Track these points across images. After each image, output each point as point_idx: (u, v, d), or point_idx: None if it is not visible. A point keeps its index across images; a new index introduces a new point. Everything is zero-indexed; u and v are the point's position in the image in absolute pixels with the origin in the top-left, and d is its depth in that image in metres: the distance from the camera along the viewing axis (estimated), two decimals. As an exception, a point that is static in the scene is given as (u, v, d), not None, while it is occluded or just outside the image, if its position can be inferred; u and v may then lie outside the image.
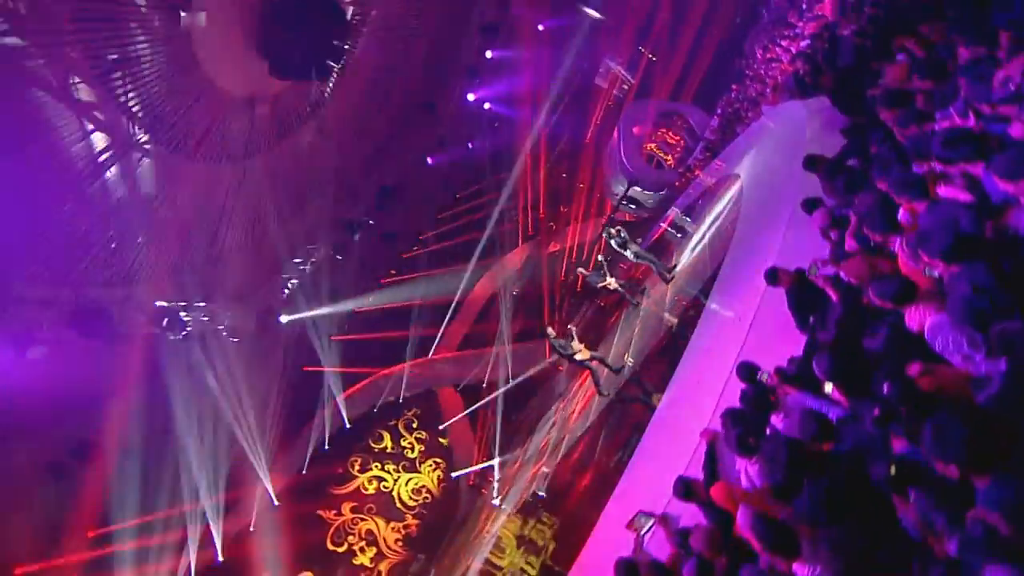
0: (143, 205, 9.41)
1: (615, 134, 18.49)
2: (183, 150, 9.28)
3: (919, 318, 2.30)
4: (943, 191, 2.62)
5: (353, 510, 17.94)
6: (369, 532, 17.22)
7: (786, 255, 4.44)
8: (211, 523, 12.89)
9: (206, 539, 13.06)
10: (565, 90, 19.82)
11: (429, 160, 15.51)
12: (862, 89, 5.26)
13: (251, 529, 14.95)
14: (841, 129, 4.37)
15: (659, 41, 21.02)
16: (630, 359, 7.81)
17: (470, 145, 18.34)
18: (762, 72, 10.99)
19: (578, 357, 8.03)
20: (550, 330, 8.60)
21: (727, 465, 3.24)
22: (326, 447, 16.89)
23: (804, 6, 11.38)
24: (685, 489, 3.20)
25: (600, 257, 9.53)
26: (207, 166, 9.87)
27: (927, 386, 2.11)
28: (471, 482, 19.51)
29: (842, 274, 2.95)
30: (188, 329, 10.08)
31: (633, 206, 17.61)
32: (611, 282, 9.45)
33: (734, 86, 14.49)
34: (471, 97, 15.78)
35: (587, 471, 6.54)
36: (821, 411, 2.65)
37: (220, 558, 13.37)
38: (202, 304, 10.56)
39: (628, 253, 8.63)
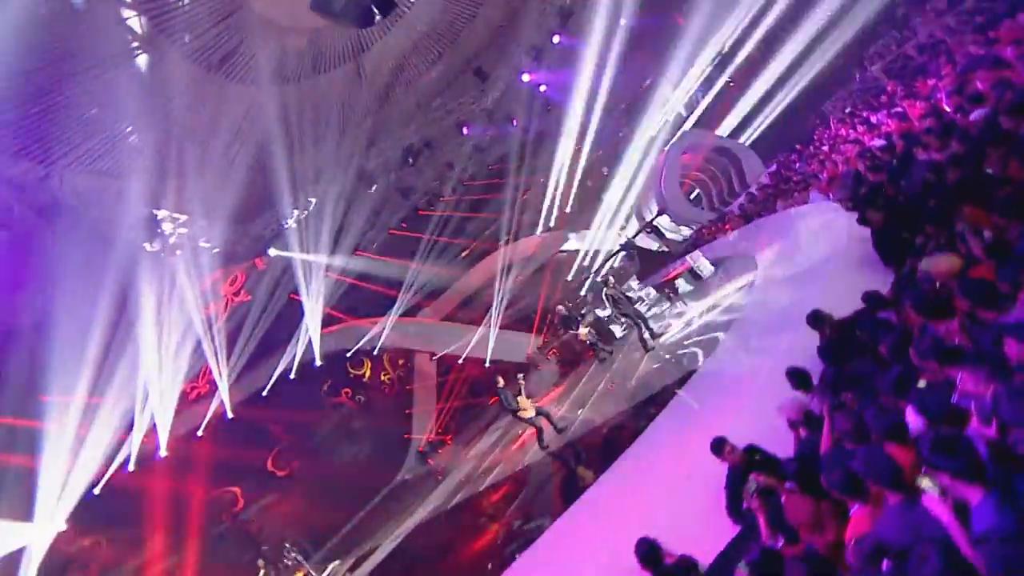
0: (159, 104, 9.08)
1: (663, 154, 17.58)
2: (207, 62, 8.84)
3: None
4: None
5: (302, 437, 18.39)
6: (307, 450, 17.70)
7: (760, 404, 4.03)
8: (159, 419, 13.07)
9: (152, 433, 13.30)
10: (627, 92, 18.83)
11: (465, 130, 14.86)
12: (910, 239, 4.68)
13: (198, 434, 15.29)
14: (863, 294, 3.86)
15: (743, 69, 19.79)
16: (578, 418, 7.53)
17: (514, 123, 17.59)
18: (826, 149, 10.14)
19: (522, 415, 7.66)
20: (499, 379, 8.25)
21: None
22: (291, 375, 17.08)
23: (899, 91, 10.41)
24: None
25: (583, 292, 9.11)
26: (229, 83, 9.44)
27: None
28: (421, 448, 19.86)
29: (783, 502, 2.55)
30: (172, 241, 9.93)
31: (654, 236, 16.89)
32: (583, 332, 9.07)
33: (798, 147, 13.52)
34: (526, 78, 14.96)
35: (493, 521, 6.33)
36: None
37: (162, 453, 13.64)
38: (194, 218, 10.37)
39: (616, 310, 8.17)
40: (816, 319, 3.91)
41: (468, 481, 9.67)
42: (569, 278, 22.26)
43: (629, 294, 8.54)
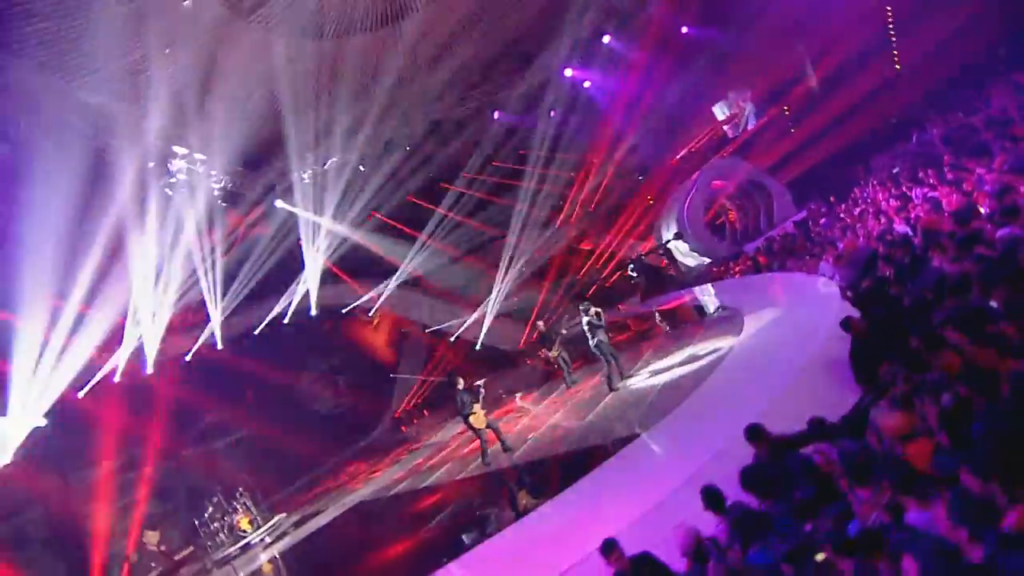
0: (187, 39, 8.95)
1: (694, 175, 16.95)
2: (239, 6, 8.66)
3: None
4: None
5: (285, 382, 18.84)
6: (287, 395, 18.16)
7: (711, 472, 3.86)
8: (147, 340, 13.38)
9: (140, 352, 13.66)
10: (674, 102, 18.11)
11: (496, 114, 14.48)
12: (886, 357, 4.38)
13: (186, 359, 15.73)
14: (809, 419, 3.63)
15: (802, 101, 18.83)
16: (528, 441, 7.46)
17: (552, 113, 17.10)
18: (856, 213, 9.57)
19: (472, 421, 7.51)
20: (460, 380, 8.15)
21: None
22: (285, 321, 17.37)
23: (947, 167, 9.71)
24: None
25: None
26: (259, 31, 9.25)
27: None
28: (397, 414, 20.22)
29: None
30: (180, 178, 9.96)
31: (666, 257, 16.44)
32: (553, 354, 8.90)
33: (831, 199, 12.83)
34: (568, 72, 14.42)
35: (422, 524, 6.32)
36: None
37: (148, 370, 14.05)
38: (204, 158, 10.37)
39: (591, 342, 7.97)
40: (752, 433, 3.71)
41: (414, 473, 9.78)
42: (578, 277, 22.04)
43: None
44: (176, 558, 5.58)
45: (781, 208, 15.96)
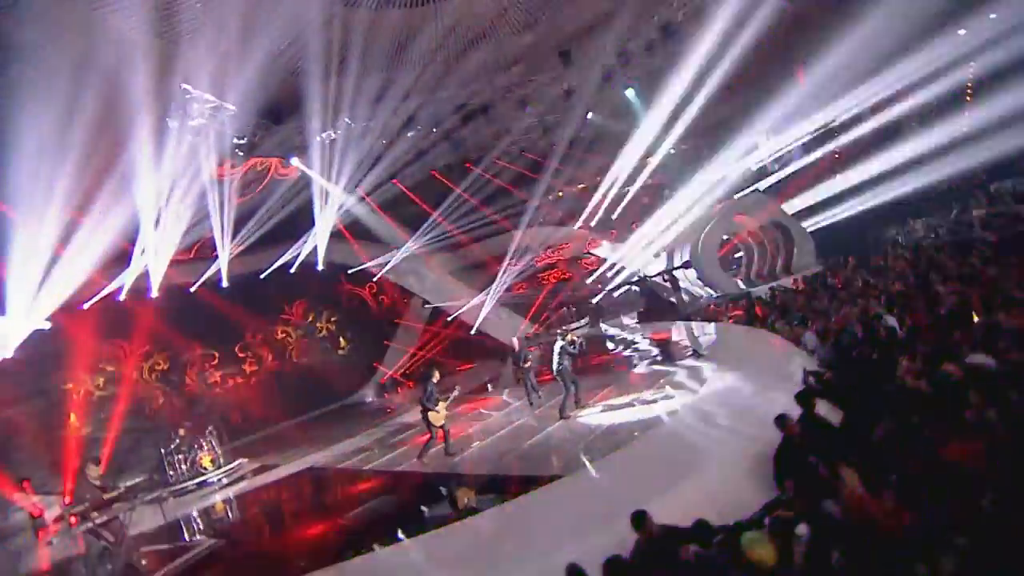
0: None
1: (718, 205, 16.44)
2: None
3: None
4: None
5: (282, 330, 19.40)
6: (281, 344, 18.75)
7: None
8: (152, 263, 13.75)
9: (145, 277, 14.09)
10: (714, 124, 17.48)
11: (527, 108, 14.21)
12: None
13: (191, 290, 16.27)
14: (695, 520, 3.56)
15: (855, 147, 17.92)
16: (470, 449, 7.53)
17: (589, 115, 16.69)
18: (860, 286, 9.14)
19: (431, 416, 7.62)
20: (436, 373, 8.23)
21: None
22: (291, 271, 17.77)
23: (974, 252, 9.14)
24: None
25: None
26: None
27: None
28: (383, 380, 20.64)
29: None
30: (197, 122, 10.13)
31: (668, 284, 16.08)
32: (527, 366, 8.89)
33: (851, 260, 12.28)
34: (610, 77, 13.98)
35: (356, 506, 6.46)
36: None
37: (153, 294, 14.58)
38: (227, 107, 10.49)
39: (554, 365, 7.94)
40: (636, 520, 3.67)
41: (373, 448, 10.02)
42: (588, 281, 21.84)
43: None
44: (107, 496, 5.90)
45: (802, 256, 15.37)
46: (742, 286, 15.02)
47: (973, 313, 6.05)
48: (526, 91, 14.32)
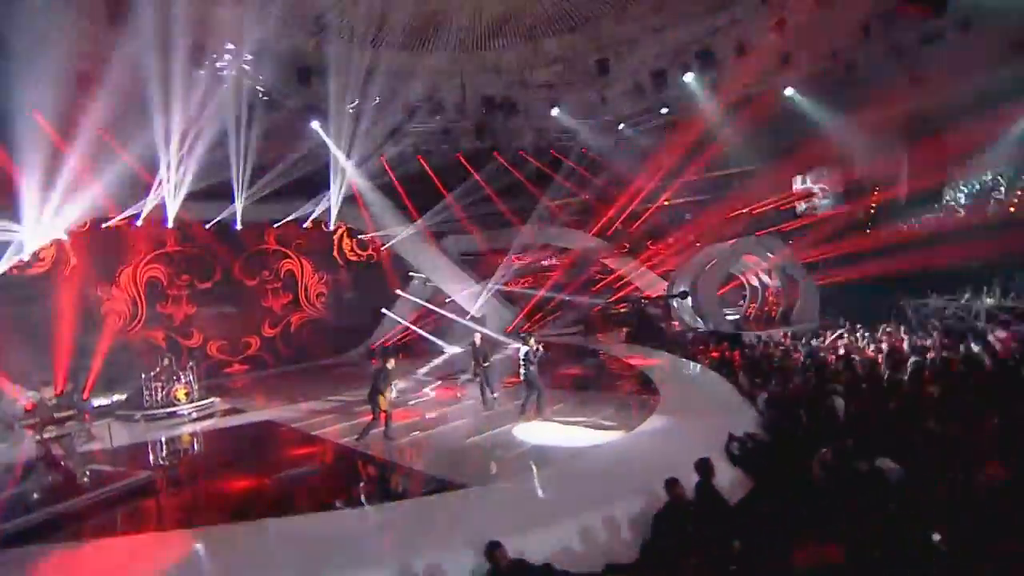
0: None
1: (731, 241, 16.11)
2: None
3: None
4: None
5: (287, 281, 19.90)
6: (289, 273, 19.30)
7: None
8: (170, 198, 14.31)
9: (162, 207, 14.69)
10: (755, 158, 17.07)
11: (555, 110, 14.12)
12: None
13: (205, 227, 16.92)
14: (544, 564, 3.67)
15: (886, 207, 17.27)
16: (405, 439, 7.82)
17: (620, 127, 16.45)
18: (841, 352, 8.91)
19: (379, 399, 7.86)
20: (392, 361, 8.48)
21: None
22: (304, 226, 18.27)
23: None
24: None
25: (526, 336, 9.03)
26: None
27: None
28: (373, 346, 21.11)
29: None
30: (222, 73, 10.42)
31: (657, 311, 15.91)
32: (486, 365, 9.05)
33: (845, 325, 11.99)
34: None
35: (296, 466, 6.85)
36: None
37: (169, 224, 15.23)
38: (249, 58, 10.77)
39: (521, 370, 8.16)
40: (489, 549, 3.83)
41: (329, 414, 10.38)
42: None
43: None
44: (58, 416, 6.36)
45: (804, 311, 15.04)
46: (733, 327, 14.79)
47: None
48: (556, 94, 14.24)
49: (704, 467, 4.77)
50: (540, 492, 5.44)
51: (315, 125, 12.79)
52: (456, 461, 6.73)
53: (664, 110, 15.68)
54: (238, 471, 7.48)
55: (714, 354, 11.36)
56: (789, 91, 15.00)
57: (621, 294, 19.33)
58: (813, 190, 18.66)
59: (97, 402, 12.47)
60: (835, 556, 3.42)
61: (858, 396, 6.68)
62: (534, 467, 6.18)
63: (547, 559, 4.05)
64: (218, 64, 10.33)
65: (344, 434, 8.42)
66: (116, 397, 12.06)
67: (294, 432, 9.31)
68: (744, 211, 19.56)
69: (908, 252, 14.71)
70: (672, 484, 4.54)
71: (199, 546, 4.89)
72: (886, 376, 7.23)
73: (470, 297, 19.61)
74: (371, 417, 8.01)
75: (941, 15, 6.66)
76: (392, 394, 8.01)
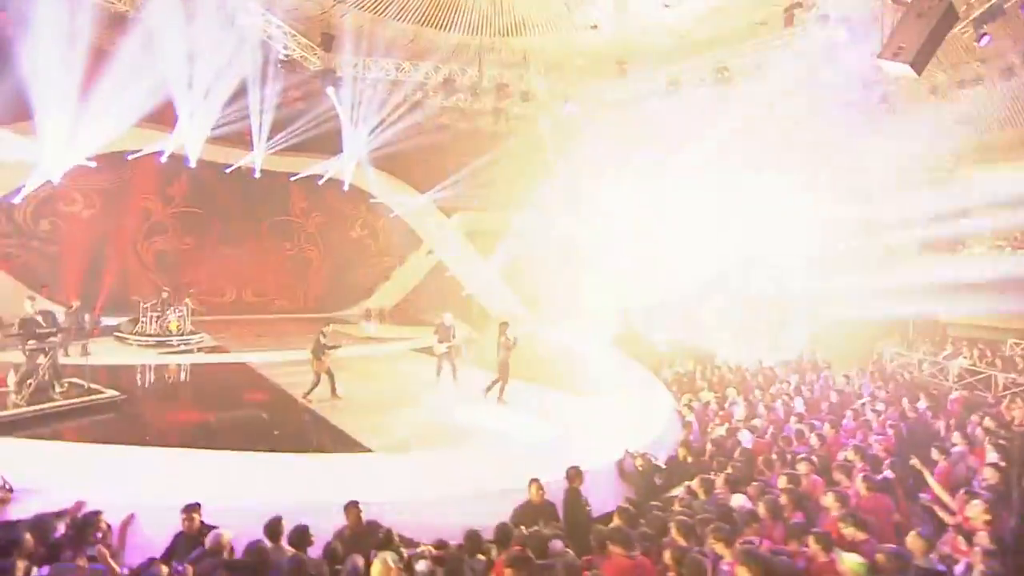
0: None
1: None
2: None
3: None
4: None
5: (298, 232, 20.68)
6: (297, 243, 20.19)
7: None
8: (191, 138, 14.99)
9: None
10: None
11: (568, 105, 14.18)
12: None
13: (227, 171, 17.67)
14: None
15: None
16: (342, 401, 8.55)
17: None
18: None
19: (319, 363, 8.61)
20: (331, 327, 9.22)
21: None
22: (320, 182, 18.89)
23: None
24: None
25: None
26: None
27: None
28: (369, 316, 21.92)
29: None
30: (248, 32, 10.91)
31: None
32: (444, 346, 9.62)
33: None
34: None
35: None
36: None
37: (191, 164, 16.01)
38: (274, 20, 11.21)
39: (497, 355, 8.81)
40: (348, 507, 4.38)
41: (301, 366, 11.11)
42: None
43: None
44: (39, 331, 7.15)
45: (787, 341, 15.01)
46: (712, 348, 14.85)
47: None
48: (571, 87, 14.27)
49: (573, 476, 5.17)
50: (433, 465, 5.97)
51: (330, 91, 13.22)
52: (378, 429, 7.31)
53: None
54: (193, 404, 8.29)
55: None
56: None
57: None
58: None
59: (106, 321, 13.65)
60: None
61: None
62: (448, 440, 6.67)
63: (403, 526, 4.54)
64: (241, 15, 10.72)
65: (299, 388, 9.11)
66: (121, 319, 13.10)
67: (259, 379, 10.11)
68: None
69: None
70: (532, 482, 4.97)
71: (142, 461, 5.63)
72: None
73: (469, 274, 20.15)
74: (315, 379, 8.70)
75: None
76: (327, 360, 8.70)
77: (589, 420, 7.98)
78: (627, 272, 17.29)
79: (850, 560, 3.41)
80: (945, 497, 4.74)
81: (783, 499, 4.53)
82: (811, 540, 3.67)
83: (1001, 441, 5.66)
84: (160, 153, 15.80)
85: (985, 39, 7.88)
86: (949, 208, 13.68)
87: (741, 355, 12.78)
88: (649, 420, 7.85)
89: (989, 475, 4.81)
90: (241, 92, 13.89)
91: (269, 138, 16.27)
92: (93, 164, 14.89)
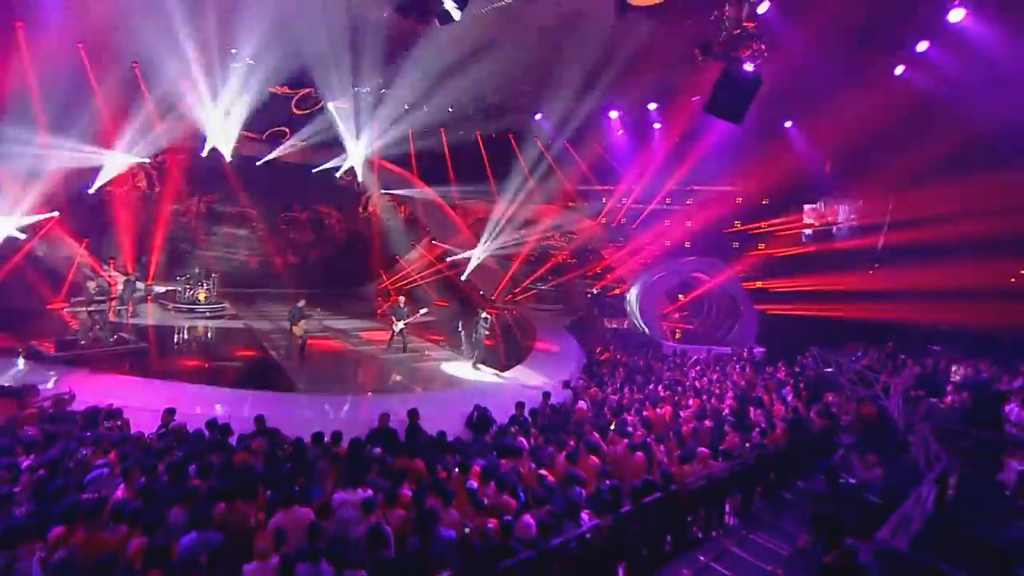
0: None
1: (691, 258, 17.08)
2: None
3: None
4: None
5: (320, 217, 23.21)
6: (320, 227, 22.81)
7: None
8: (224, 139, 17.62)
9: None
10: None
11: (539, 115, 15.63)
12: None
13: (258, 163, 20.28)
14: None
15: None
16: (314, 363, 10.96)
17: (620, 133, 17.53)
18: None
19: (294, 330, 11.08)
20: (303, 302, 11.58)
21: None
22: (336, 175, 21.21)
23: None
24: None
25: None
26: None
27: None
28: (380, 286, 24.25)
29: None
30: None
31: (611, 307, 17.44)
32: (400, 323, 11.96)
33: (781, 368, 12.89)
34: (613, 115, 14.86)
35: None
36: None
37: (227, 158, 18.63)
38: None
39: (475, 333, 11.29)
40: (316, 437, 6.61)
41: (286, 332, 13.51)
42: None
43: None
44: (94, 300, 10.21)
45: (739, 336, 15.98)
46: (668, 339, 16.11)
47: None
48: (538, 101, 15.67)
49: (410, 413, 7.10)
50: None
51: (331, 106, 15.36)
52: (340, 377, 9.71)
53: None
54: (198, 353, 11.02)
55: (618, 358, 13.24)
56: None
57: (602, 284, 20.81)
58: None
59: (158, 289, 16.67)
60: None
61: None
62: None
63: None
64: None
65: (284, 352, 11.61)
66: (169, 288, 16.10)
67: (254, 339, 12.79)
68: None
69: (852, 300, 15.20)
70: (382, 416, 6.92)
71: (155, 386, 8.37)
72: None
73: (468, 260, 22.11)
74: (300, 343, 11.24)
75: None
76: (299, 329, 11.21)
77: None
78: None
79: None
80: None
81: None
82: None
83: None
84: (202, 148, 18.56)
85: None
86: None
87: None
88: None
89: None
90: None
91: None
92: (148, 160, 17.91)
